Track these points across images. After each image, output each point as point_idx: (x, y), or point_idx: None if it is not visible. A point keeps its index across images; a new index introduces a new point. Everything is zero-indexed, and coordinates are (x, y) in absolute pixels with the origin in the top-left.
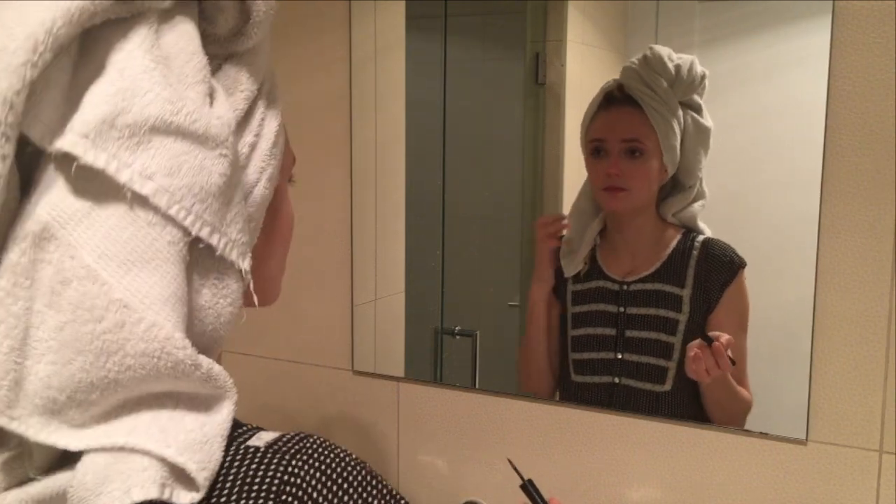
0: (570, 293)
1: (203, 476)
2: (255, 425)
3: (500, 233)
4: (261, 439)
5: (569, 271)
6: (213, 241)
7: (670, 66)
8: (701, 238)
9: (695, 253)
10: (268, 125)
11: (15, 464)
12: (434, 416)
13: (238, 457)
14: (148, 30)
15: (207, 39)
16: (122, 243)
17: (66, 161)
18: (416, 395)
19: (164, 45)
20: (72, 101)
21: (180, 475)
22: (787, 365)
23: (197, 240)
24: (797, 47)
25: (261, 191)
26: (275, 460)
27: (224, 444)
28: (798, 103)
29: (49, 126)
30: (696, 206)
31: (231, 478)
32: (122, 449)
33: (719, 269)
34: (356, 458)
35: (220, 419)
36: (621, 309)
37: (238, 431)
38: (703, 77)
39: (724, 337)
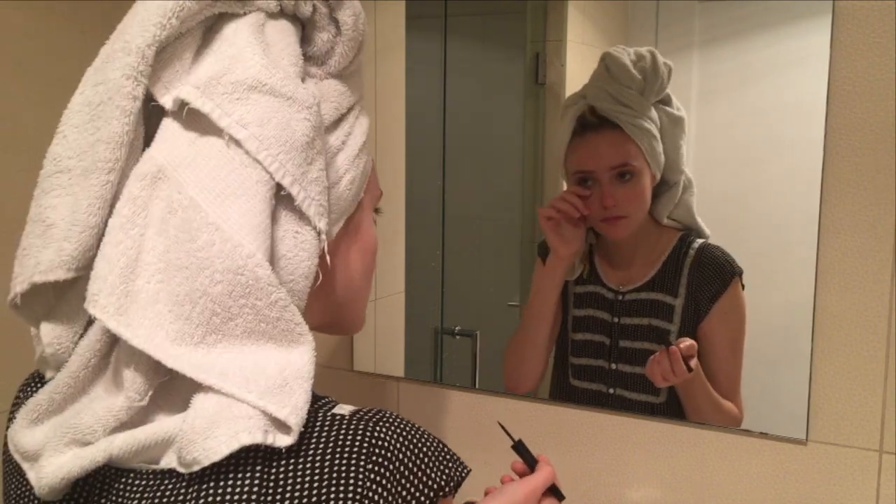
0: (571, 295)
1: (284, 412)
2: (332, 397)
3: (500, 233)
4: (343, 409)
5: (568, 274)
6: (294, 191)
7: (636, 73)
8: (698, 243)
9: (689, 260)
10: (353, 139)
11: (116, 401)
12: (434, 416)
13: (327, 423)
14: (256, 21)
15: (308, 61)
16: (220, 179)
17: (180, 111)
18: (416, 395)
19: (266, 34)
20: (192, 68)
21: (277, 422)
22: (787, 365)
23: (280, 188)
24: (797, 47)
25: (341, 190)
26: (360, 426)
27: (307, 388)
28: (798, 103)
29: (168, 87)
30: (687, 196)
31: (324, 440)
32: (210, 388)
33: (711, 278)
34: (425, 430)
35: (299, 364)
36: (615, 319)
37: (321, 402)
38: (670, 68)
39: (685, 343)
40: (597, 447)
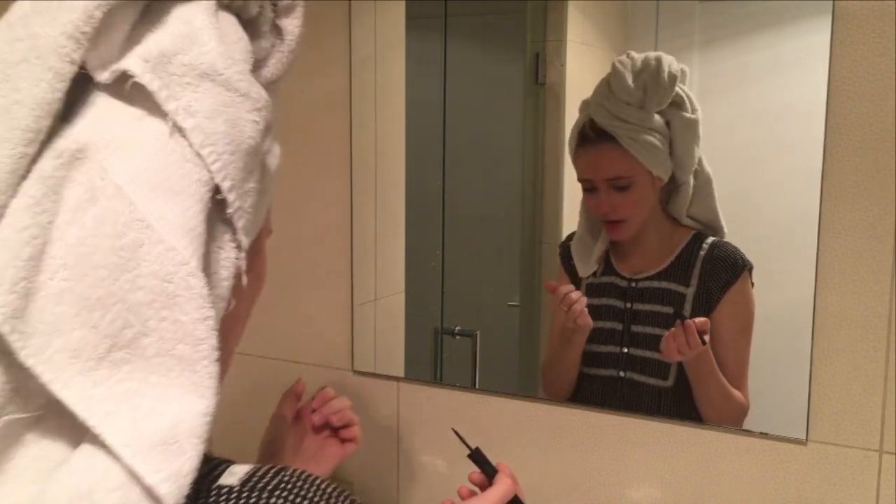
0: (584, 286)
1: (157, 477)
2: (223, 458)
3: (500, 233)
4: (233, 475)
5: (583, 271)
6: (230, 198)
7: (636, 89)
8: (710, 240)
9: (702, 253)
10: (270, 157)
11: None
12: (434, 416)
13: (211, 499)
14: (209, 7)
15: None
16: (156, 171)
17: (117, 86)
18: (416, 395)
19: (221, 23)
20: (131, 42)
21: (150, 492)
22: (787, 365)
23: (217, 191)
24: (797, 47)
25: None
26: (252, 499)
27: (199, 451)
28: (798, 103)
29: (104, 59)
30: (706, 194)
31: None
32: (98, 440)
33: (723, 269)
34: (338, 488)
35: (195, 415)
36: (628, 305)
37: (207, 468)
38: (675, 76)
39: (699, 319)
40: (597, 447)
